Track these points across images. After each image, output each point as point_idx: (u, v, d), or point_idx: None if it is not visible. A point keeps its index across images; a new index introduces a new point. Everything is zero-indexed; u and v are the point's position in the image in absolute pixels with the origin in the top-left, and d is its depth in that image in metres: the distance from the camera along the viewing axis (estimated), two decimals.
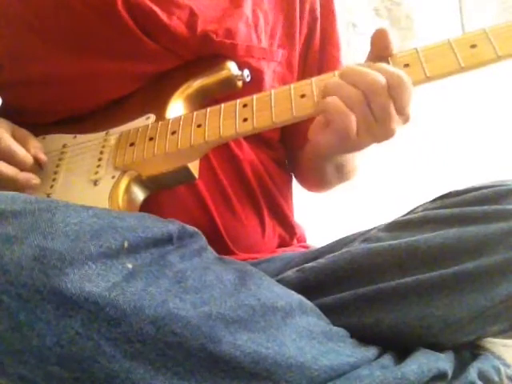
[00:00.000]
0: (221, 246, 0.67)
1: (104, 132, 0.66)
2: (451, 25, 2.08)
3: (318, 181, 0.80)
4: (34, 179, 0.62)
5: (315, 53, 0.78)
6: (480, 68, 0.52)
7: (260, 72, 0.69)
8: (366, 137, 0.54)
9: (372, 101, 0.52)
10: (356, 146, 0.56)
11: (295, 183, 0.84)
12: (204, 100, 0.67)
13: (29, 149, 0.63)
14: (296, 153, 0.80)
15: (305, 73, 0.76)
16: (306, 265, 0.62)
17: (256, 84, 0.68)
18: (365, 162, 0.74)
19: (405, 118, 0.54)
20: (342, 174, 0.75)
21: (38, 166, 0.64)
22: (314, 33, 0.77)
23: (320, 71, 0.61)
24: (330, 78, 0.56)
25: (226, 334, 0.45)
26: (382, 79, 0.51)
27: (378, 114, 0.52)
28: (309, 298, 0.55)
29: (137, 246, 0.46)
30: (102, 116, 0.68)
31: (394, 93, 0.52)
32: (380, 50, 0.56)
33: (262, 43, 0.70)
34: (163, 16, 0.64)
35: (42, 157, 0.64)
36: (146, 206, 0.61)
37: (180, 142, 0.59)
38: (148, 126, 0.63)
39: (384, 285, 0.55)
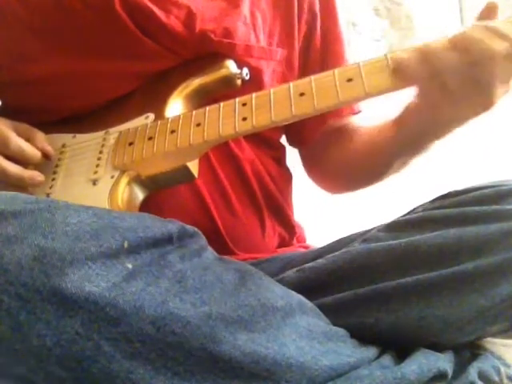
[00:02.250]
0: (221, 245, 0.67)
1: (103, 131, 0.66)
2: (451, 25, 2.08)
3: (359, 178, 0.78)
4: (38, 176, 0.62)
5: (316, 50, 0.77)
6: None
7: (259, 71, 0.69)
8: (464, 106, 0.52)
9: (484, 65, 0.49)
10: (452, 118, 0.55)
11: (295, 183, 0.84)
12: (203, 99, 0.66)
13: (35, 143, 0.64)
14: (315, 151, 0.78)
15: (306, 71, 0.75)
16: (306, 265, 0.62)
17: (255, 84, 0.67)
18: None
19: (506, 90, 0.52)
20: (396, 166, 0.68)
21: (44, 158, 0.65)
22: (313, 30, 0.77)
23: (322, 68, 0.60)
24: (329, 75, 0.55)
25: (226, 334, 0.45)
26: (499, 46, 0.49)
27: (483, 79, 0.50)
28: (309, 298, 0.55)
29: (137, 246, 0.46)
30: (101, 115, 0.68)
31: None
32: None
33: (261, 43, 0.70)
34: (161, 15, 0.64)
35: (49, 149, 0.65)
36: (146, 206, 0.61)
37: (179, 141, 0.59)
38: (147, 125, 0.63)
39: (384, 285, 0.55)
